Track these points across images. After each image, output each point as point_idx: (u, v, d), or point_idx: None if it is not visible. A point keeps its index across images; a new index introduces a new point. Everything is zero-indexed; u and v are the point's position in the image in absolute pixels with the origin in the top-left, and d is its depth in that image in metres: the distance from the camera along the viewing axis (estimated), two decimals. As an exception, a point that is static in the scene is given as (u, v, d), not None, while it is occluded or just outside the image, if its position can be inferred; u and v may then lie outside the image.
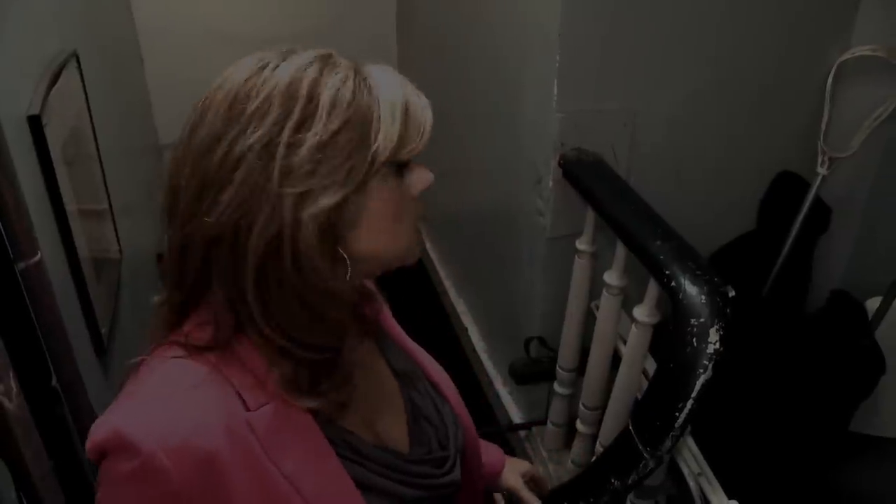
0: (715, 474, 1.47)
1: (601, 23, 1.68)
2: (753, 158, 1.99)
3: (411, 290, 2.49)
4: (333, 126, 0.72)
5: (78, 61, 1.76)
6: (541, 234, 1.96)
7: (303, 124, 0.72)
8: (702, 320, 1.30)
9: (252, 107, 0.72)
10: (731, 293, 1.37)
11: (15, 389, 0.92)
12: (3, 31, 1.39)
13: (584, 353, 1.94)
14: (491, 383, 2.52)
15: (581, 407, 1.91)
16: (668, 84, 1.81)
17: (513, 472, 1.30)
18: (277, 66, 0.74)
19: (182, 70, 3.16)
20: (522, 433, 2.31)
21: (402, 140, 0.76)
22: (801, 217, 2.01)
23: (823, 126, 1.92)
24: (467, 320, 2.82)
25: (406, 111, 0.77)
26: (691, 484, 1.45)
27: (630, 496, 1.68)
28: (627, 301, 1.71)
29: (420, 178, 0.82)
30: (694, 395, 1.28)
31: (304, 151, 0.71)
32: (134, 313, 1.98)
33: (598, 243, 1.80)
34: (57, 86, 1.54)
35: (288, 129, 0.71)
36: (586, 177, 1.72)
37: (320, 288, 0.74)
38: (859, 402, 2.09)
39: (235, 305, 0.75)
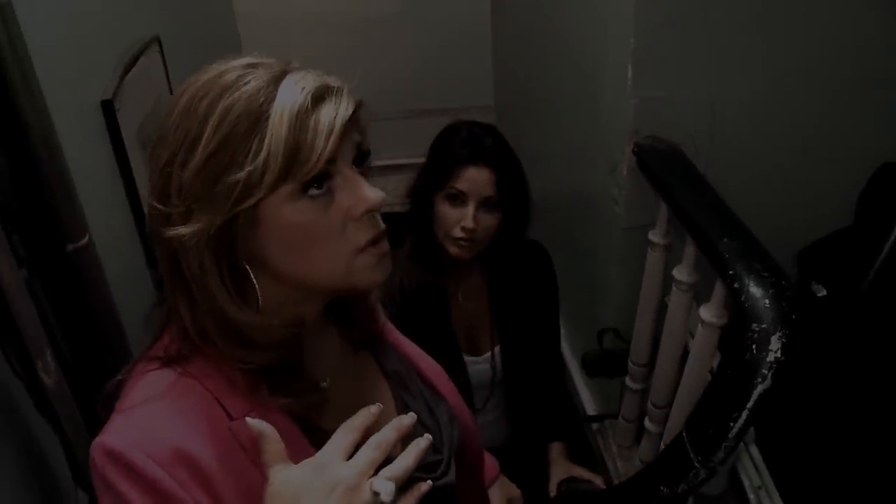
0: (782, 488, 1.39)
1: (679, 3, 1.59)
2: (850, 149, 1.84)
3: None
4: (212, 146, 0.69)
5: (160, 46, 1.82)
6: (616, 224, 1.90)
7: (194, 144, 0.70)
8: (763, 326, 1.22)
9: (170, 120, 0.72)
10: (817, 294, 1.26)
11: (52, 367, 0.97)
12: (83, 19, 1.46)
13: (657, 347, 1.87)
14: (568, 371, 2.47)
15: (650, 405, 1.84)
16: (754, 71, 1.70)
17: (499, 490, 1.33)
18: (208, 72, 0.74)
19: (278, 50, 3.23)
20: (595, 425, 2.26)
21: (293, 159, 0.69)
22: (904, 211, 1.85)
23: (932, 113, 1.76)
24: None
25: (298, 128, 0.69)
26: (750, 497, 1.38)
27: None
28: (701, 296, 1.63)
29: (360, 199, 0.74)
30: (750, 405, 1.20)
31: (190, 170, 0.69)
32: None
33: (673, 236, 1.72)
34: (133, 71, 1.60)
35: (184, 148, 0.70)
36: (659, 167, 1.64)
37: (230, 315, 0.73)
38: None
39: (183, 317, 0.76)
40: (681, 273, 1.60)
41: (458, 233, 1.56)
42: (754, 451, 1.43)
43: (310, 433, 0.81)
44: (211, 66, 0.75)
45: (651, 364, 1.91)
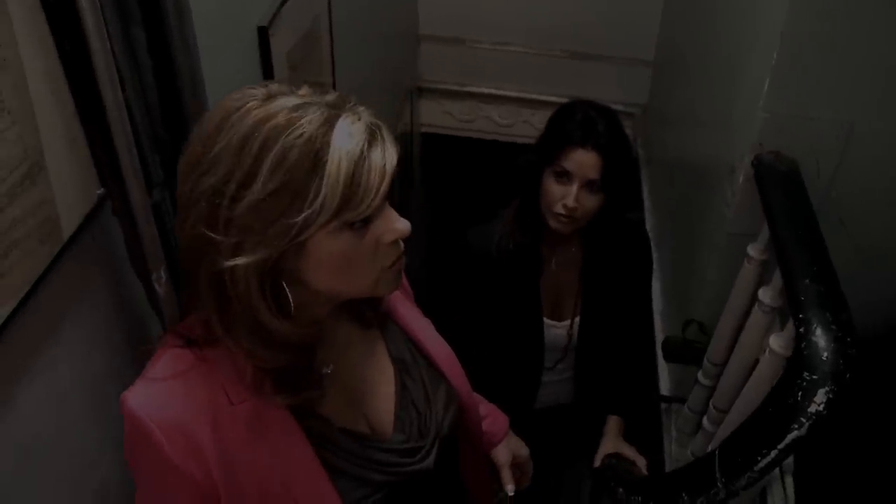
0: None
1: (829, 25, 1.54)
2: None
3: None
4: (270, 187, 0.74)
5: (325, -29, 1.91)
6: (722, 225, 1.90)
7: (246, 181, 0.75)
8: (814, 377, 1.25)
9: (215, 150, 0.76)
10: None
11: (164, 279, 1.14)
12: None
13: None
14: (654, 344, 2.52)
15: (711, 405, 1.88)
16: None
17: (506, 448, 1.36)
18: (253, 109, 0.76)
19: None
20: (663, 405, 2.32)
21: (346, 203, 0.76)
22: None
23: None
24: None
25: (353, 176, 0.75)
26: (770, 524, 1.43)
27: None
28: (784, 317, 1.63)
29: (388, 231, 0.82)
30: (781, 447, 1.24)
31: (243, 207, 0.75)
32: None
33: (770, 254, 1.71)
34: (293, -1, 1.70)
35: (234, 183, 0.75)
36: (771, 186, 1.63)
37: (264, 323, 0.82)
38: None
39: (209, 311, 0.85)
40: (765, 295, 1.61)
41: (559, 209, 1.63)
42: (789, 481, 1.47)
43: (305, 419, 0.92)
44: (249, 97, 0.79)
45: (724, 366, 1.94)
